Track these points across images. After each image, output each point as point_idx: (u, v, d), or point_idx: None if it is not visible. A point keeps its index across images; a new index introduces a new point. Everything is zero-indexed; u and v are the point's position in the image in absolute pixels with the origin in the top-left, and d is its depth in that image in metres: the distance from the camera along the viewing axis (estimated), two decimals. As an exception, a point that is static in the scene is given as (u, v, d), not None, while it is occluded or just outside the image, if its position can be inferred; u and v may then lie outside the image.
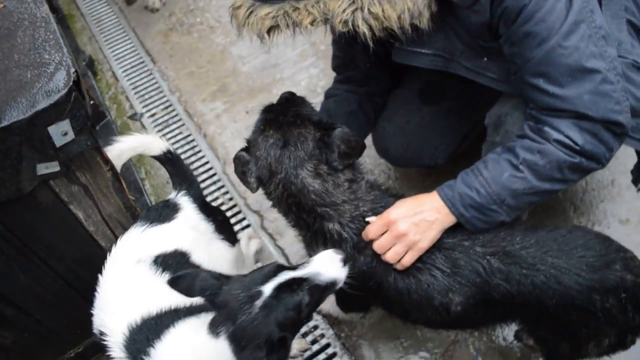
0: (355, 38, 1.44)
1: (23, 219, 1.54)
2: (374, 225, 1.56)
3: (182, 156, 2.93)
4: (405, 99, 2.21)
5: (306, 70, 3.24)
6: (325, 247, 1.60)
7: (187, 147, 2.99)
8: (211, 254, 1.75)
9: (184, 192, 1.82)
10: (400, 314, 1.71)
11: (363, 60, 1.97)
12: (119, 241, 1.66)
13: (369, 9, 1.38)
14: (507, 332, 2.22)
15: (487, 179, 1.53)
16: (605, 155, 1.51)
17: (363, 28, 1.40)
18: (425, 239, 1.53)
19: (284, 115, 1.62)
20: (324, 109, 2.10)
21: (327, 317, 2.32)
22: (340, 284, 1.45)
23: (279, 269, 1.38)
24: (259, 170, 1.60)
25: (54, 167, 1.41)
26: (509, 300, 1.48)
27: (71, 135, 1.36)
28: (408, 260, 1.54)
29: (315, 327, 2.31)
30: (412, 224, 1.53)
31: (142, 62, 3.50)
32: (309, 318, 1.45)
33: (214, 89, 3.25)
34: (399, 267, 1.56)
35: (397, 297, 1.60)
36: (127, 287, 1.58)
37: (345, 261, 1.43)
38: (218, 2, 3.77)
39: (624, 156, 2.69)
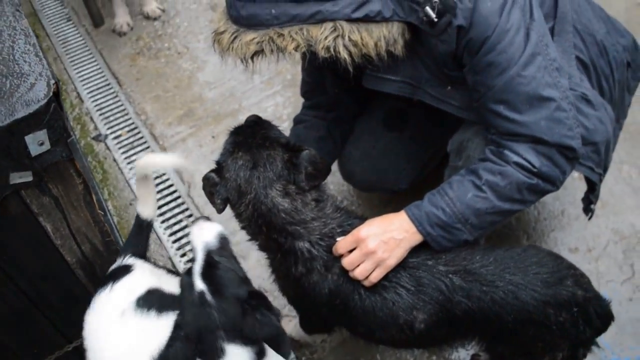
0: (332, 63, 1.50)
1: (-11, 228, 1.52)
2: (344, 241, 1.61)
3: (147, 178, 2.94)
4: (371, 126, 2.29)
5: (272, 98, 3.31)
6: (296, 267, 1.64)
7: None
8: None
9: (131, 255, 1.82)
10: (365, 333, 1.75)
11: (332, 86, 2.04)
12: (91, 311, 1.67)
13: (349, 36, 1.45)
14: (464, 357, 2.29)
15: (452, 198, 1.61)
16: (560, 177, 1.62)
17: (344, 54, 1.46)
18: (393, 257, 1.59)
19: (253, 137, 1.66)
20: (294, 135, 2.15)
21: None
22: (222, 231, 1.54)
23: (189, 272, 1.49)
24: (228, 192, 1.63)
25: (27, 176, 1.41)
26: (471, 316, 1.54)
27: (47, 146, 1.37)
28: (375, 277, 1.59)
29: (278, 350, 2.32)
30: (381, 242, 1.58)
31: (108, 84, 3.50)
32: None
33: (180, 113, 3.28)
34: (366, 283, 1.60)
35: (362, 316, 1.64)
36: (125, 338, 1.59)
37: (204, 218, 1.57)
38: (186, 29, 3.83)
39: (572, 187, 2.84)
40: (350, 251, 1.61)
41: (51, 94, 1.32)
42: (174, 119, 3.24)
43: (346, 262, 1.61)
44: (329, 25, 1.44)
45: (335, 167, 2.62)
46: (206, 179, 1.65)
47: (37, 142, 1.35)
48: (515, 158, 1.58)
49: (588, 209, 2.25)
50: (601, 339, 2.29)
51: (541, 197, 1.69)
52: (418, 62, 1.71)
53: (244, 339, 1.45)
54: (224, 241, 1.54)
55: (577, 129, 1.61)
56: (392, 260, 1.59)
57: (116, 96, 3.43)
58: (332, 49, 1.45)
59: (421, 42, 1.62)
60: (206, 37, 3.76)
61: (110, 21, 3.86)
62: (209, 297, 1.43)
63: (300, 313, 2.03)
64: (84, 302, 1.95)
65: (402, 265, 1.61)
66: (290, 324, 2.30)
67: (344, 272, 1.63)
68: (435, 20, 1.48)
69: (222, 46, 1.53)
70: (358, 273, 1.59)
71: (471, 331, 1.65)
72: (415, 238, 1.62)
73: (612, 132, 1.99)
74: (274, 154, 1.61)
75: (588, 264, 2.59)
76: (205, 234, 1.53)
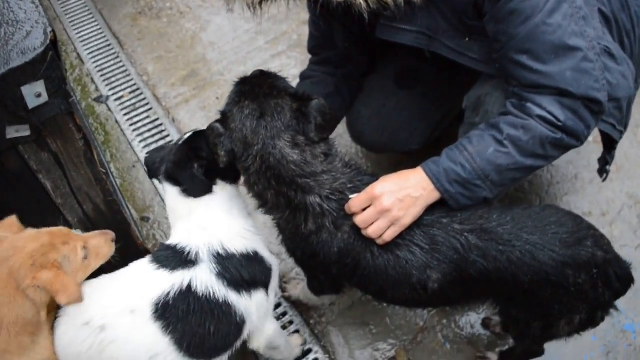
0: (345, 12, 1.42)
1: (-13, 185, 1.47)
2: (358, 198, 1.55)
3: (150, 140, 2.88)
4: (381, 84, 2.22)
5: (278, 58, 3.23)
6: (306, 224, 1.58)
7: (155, 131, 2.93)
8: None
9: None
10: (376, 292, 1.71)
11: (342, 40, 1.96)
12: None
13: None
14: (475, 320, 2.26)
15: (472, 154, 1.54)
16: (584, 132, 1.56)
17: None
18: (409, 215, 1.53)
19: (260, 86, 1.59)
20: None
21: (296, 304, 2.31)
22: None
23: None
24: (233, 143, 1.56)
25: (24, 130, 1.35)
26: (486, 277, 1.49)
27: (45, 98, 1.31)
28: (389, 236, 1.54)
29: (284, 314, 2.30)
30: (396, 200, 1.52)
31: (109, 45, 3.41)
32: None
33: (184, 74, 3.20)
34: (380, 242, 1.55)
35: (374, 275, 1.59)
36: None
37: None
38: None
39: (586, 151, 2.78)
40: (365, 209, 1.55)
41: (48, 42, 1.25)
42: (177, 80, 3.17)
43: (359, 219, 1.55)
44: None
45: (343, 128, 2.55)
46: (210, 129, 1.57)
47: (34, 94, 1.29)
48: (539, 111, 1.51)
49: (603, 170, 2.18)
50: (616, 303, 2.28)
51: (564, 152, 1.62)
52: (435, 12, 1.63)
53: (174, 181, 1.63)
54: None
55: (603, 81, 1.54)
56: (408, 219, 1.53)
57: (117, 57, 3.34)
58: None
59: None
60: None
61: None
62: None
63: (308, 274, 1.99)
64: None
65: (416, 223, 1.55)
66: (299, 287, 2.26)
67: (355, 230, 1.58)
68: None
69: None
70: (372, 231, 1.54)
71: (486, 292, 1.61)
72: (433, 195, 1.56)
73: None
74: (282, 103, 1.54)
75: (602, 228, 2.49)
76: None
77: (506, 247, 1.47)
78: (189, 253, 1.53)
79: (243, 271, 1.56)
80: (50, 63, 1.26)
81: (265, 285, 1.65)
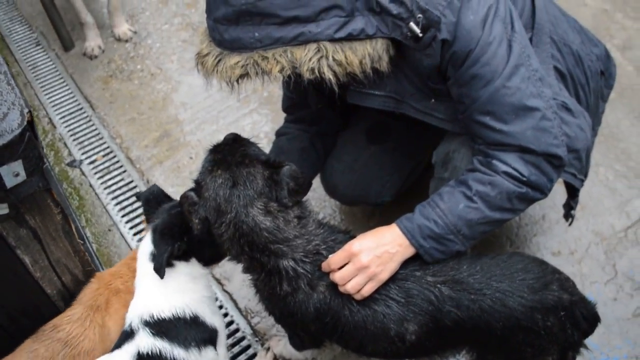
0: (318, 83, 1.50)
1: (-35, 264, 1.48)
2: (337, 256, 1.59)
3: (125, 203, 2.90)
4: (354, 139, 2.29)
5: (249, 116, 3.30)
6: (281, 286, 1.61)
7: (129, 194, 2.95)
8: None
9: None
10: (356, 347, 1.73)
11: (315, 102, 2.04)
12: None
13: (333, 57, 1.44)
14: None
15: (443, 210, 1.61)
16: (547, 185, 1.64)
17: (328, 74, 1.45)
18: (386, 270, 1.58)
19: (232, 155, 1.63)
20: (277, 146, 2.15)
21: (280, 359, 2.31)
22: None
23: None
24: (207, 211, 1.59)
25: (2, 209, 1.38)
26: (460, 325, 1.54)
27: (23, 176, 1.34)
28: (368, 291, 1.58)
29: (266, 370, 2.29)
30: (374, 257, 1.57)
31: (81, 109, 3.45)
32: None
33: (157, 135, 3.24)
34: (357, 297, 1.59)
35: (353, 331, 1.63)
36: None
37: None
38: (159, 50, 3.80)
39: (552, 192, 2.87)
40: (342, 266, 1.60)
41: (25, 123, 1.29)
42: (150, 141, 3.21)
43: (337, 276, 1.59)
44: (312, 47, 1.43)
45: (317, 182, 2.62)
46: (184, 197, 1.61)
47: (12, 174, 1.32)
48: (504, 167, 1.60)
49: (569, 215, 2.28)
50: (589, 340, 2.32)
51: (529, 205, 1.71)
52: (402, 77, 1.72)
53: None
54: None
55: (561, 137, 1.64)
56: (385, 274, 1.58)
57: (89, 120, 3.38)
58: (316, 70, 1.44)
59: (405, 57, 1.63)
60: (179, 57, 3.74)
61: (81, 44, 3.82)
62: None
63: (288, 332, 2.01)
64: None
65: (390, 278, 1.60)
66: (280, 343, 2.27)
67: (332, 289, 1.62)
68: (420, 35, 1.49)
69: (206, 68, 1.52)
70: (350, 287, 1.58)
71: (461, 340, 1.65)
72: (408, 251, 1.61)
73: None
74: (254, 171, 1.58)
75: (571, 266, 2.61)
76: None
77: (477, 296, 1.52)
78: (129, 326, 1.65)
79: (180, 332, 1.64)
80: (27, 143, 1.30)
81: (213, 343, 1.74)
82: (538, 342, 1.56)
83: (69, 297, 1.79)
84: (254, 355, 2.33)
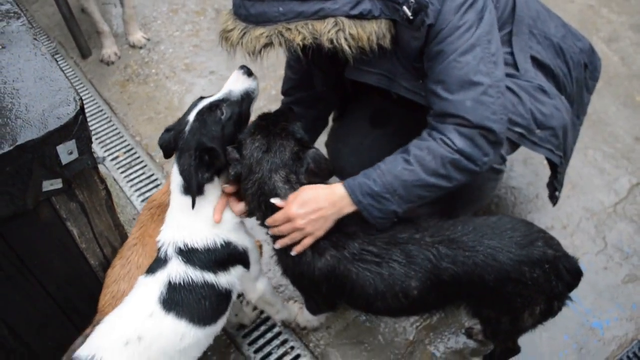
0: (331, 56, 1.71)
1: (23, 235, 1.68)
2: (278, 215, 1.80)
3: (148, 194, 3.11)
4: (358, 124, 2.50)
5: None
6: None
7: (151, 185, 3.16)
8: None
9: None
10: (364, 305, 1.92)
11: (321, 84, 2.25)
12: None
13: (349, 31, 1.66)
14: (459, 331, 2.49)
15: (383, 171, 1.79)
16: (482, 158, 1.79)
17: (345, 46, 1.67)
18: (321, 229, 1.80)
19: (274, 125, 1.84)
20: None
21: (296, 330, 2.51)
22: (254, 91, 1.88)
23: (200, 100, 1.82)
24: (242, 167, 1.81)
25: (57, 184, 1.59)
26: (457, 280, 1.73)
27: (75, 155, 1.56)
28: (308, 243, 1.81)
29: (286, 341, 2.48)
30: (310, 220, 1.77)
31: (101, 110, 3.68)
32: (240, 129, 1.85)
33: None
34: (299, 248, 1.81)
35: (360, 290, 1.82)
36: None
37: (249, 73, 1.86)
38: (172, 55, 4.03)
39: (544, 174, 3.07)
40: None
41: (78, 107, 1.51)
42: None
43: (275, 231, 1.83)
44: (331, 21, 1.64)
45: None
46: (228, 152, 1.82)
47: (67, 152, 1.53)
48: (440, 136, 1.78)
49: (553, 196, 2.45)
50: (582, 305, 2.53)
51: (467, 175, 1.82)
52: (394, 58, 1.93)
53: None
54: (244, 96, 1.85)
55: (501, 115, 1.78)
56: (320, 232, 1.80)
57: (110, 121, 3.60)
58: (335, 41, 1.66)
59: (397, 40, 1.84)
60: (191, 61, 3.97)
61: (98, 52, 4.05)
62: (187, 127, 1.78)
63: (304, 294, 2.21)
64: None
65: (392, 242, 1.80)
66: (298, 315, 2.47)
67: (338, 253, 1.82)
68: (411, 18, 1.70)
69: (231, 42, 1.71)
70: (287, 240, 1.82)
71: (458, 295, 1.83)
72: (348, 208, 1.80)
73: (571, 123, 2.21)
74: (286, 144, 1.80)
75: (564, 239, 2.80)
76: (236, 84, 1.82)
77: (471, 253, 1.71)
78: (164, 253, 1.79)
79: (210, 257, 1.80)
80: (80, 125, 1.52)
81: (243, 262, 1.91)
82: (526, 292, 1.74)
83: (109, 268, 2.00)
84: (274, 325, 2.53)
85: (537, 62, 2.12)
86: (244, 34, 1.68)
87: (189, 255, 1.77)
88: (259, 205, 1.83)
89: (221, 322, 1.88)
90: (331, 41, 1.66)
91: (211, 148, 1.74)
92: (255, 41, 1.66)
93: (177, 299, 1.73)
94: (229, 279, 1.84)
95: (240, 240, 1.88)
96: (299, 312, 2.45)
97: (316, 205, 1.78)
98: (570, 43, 2.25)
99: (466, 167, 1.79)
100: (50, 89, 1.57)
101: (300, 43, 1.65)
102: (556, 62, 2.18)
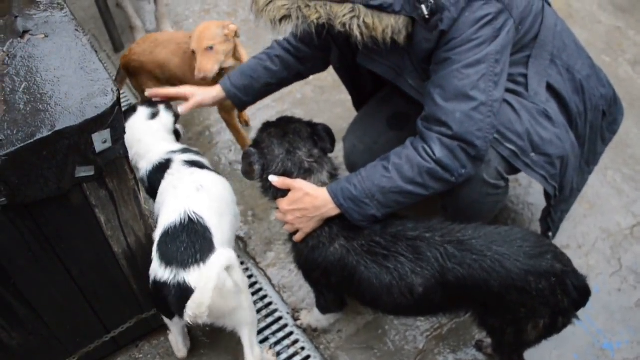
0: (345, 39, 1.84)
1: (54, 218, 1.75)
2: (280, 205, 2.01)
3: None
4: (376, 123, 2.57)
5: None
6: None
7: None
8: None
9: None
10: (371, 300, 1.98)
11: (336, 61, 2.38)
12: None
13: (364, 19, 1.73)
14: (469, 345, 2.51)
15: (363, 177, 1.90)
16: (458, 170, 1.85)
17: (356, 32, 1.75)
18: (308, 227, 1.96)
19: (280, 120, 2.04)
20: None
21: (307, 331, 2.55)
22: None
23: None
24: (263, 158, 1.97)
25: (90, 171, 1.66)
26: (462, 282, 1.77)
27: (109, 143, 1.63)
28: (299, 237, 2.01)
29: (297, 341, 2.53)
30: (296, 217, 1.95)
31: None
32: None
33: (199, 130, 3.54)
34: (297, 237, 2.01)
35: (368, 282, 1.89)
36: None
37: None
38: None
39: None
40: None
41: (115, 98, 1.58)
42: (193, 135, 3.50)
43: (278, 216, 2.04)
44: (349, 6, 1.72)
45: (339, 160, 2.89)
46: (245, 153, 1.98)
47: (101, 140, 1.60)
48: (421, 144, 1.85)
49: (545, 235, 2.43)
50: (593, 325, 2.54)
51: (443, 185, 1.89)
52: (405, 55, 1.99)
53: None
54: None
55: (487, 134, 1.83)
56: (307, 229, 1.97)
57: (138, 114, 3.68)
58: (347, 26, 1.74)
59: (412, 38, 1.89)
60: (220, 60, 4.03)
61: (130, 46, 4.14)
62: None
63: (314, 289, 2.27)
64: (125, 293, 2.18)
65: (401, 237, 1.86)
66: (308, 315, 2.52)
67: (347, 244, 1.92)
68: (428, 17, 1.75)
69: (258, 6, 1.81)
70: (288, 226, 2.03)
71: (463, 299, 1.87)
72: (330, 211, 1.92)
73: (575, 162, 2.20)
74: (299, 126, 1.98)
75: (579, 258, 2.82)
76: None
77: (479, 257, 1.75)
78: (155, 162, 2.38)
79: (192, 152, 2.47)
80: (116, 115, 1.59)
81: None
82: (530, 303, 1.77)
83: (131, 257, 2.06)
84: (285, 325, 2.58)
85: (552, 91, 2.12)
86: (270, 1, 1.77)
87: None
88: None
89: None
90: (344, 25, 1.74)
91: None
92: (277, 11, 1.75)
93: (198, 165, 2.30)
94: None
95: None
96: (309, 315, 2.50)
97: (301, 206, 1.93)
98: (594, 85, 2.24)
99: (442, 177, 1.86)
100: (90, 78, 1.64)
101: (315, 21, 1.74)
102: (573, 98, 2.17)
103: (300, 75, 2.57)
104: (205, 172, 2.27)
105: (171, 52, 2.97)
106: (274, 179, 1.93)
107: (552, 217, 2.34)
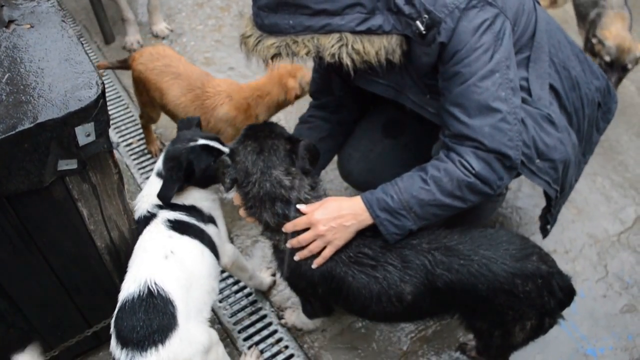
0: (338, 68, 1.77)
1: (35, 211, 1.72)
2: (300, 220, 1.86)
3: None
4: (370, 131, 2.54)
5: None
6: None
7: (162, 174, 3.21)
8: None
9: None
10: (359, 309, 1.96)
11: (338, 89, 2.31)
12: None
13: (352, 46, 1.71)
14: (453, 347, 2.51)
15: (400, 188, 1.84)
16: (496, 182, 1.83)
17: (347, 60, 1.73)
18: (341, 239, 1.84)
19: (261, 131, 1.94)
20: (297, 134, 2.38)
21: (291, 330, 2.54)
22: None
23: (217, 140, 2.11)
24: (237, 172, 1.89)
25: (73, 164, 1.63)
26: (451, 287, 1.76)
27: (93, 137, 1.60)
28: (328, 253, 1.85)
29: (280, 339, 2.52)
30: (331, 227, 1.82)
31: (120, 97, 3.74)
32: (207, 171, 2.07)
33: (189, 124, 3.50)
34: (319, 260, 1.85)
35: (356, 293, 1.86)
36: None
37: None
38: (193, 48, 4.08)
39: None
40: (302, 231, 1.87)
41: (100, 91, 1.55)
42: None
43: (295, 241, 1.87)
44: (336, 36, 1.70)
45: (334, 174, 2.87)
46: (220, 162, 1.93)
47: (84, 134, 1.58)
48: (458, 158, 1.82)
49: (544, 229, 2.45)
50: (577, 330, 2.54)
51: (481, 198, 1.87)
52: (404, 72, 1.97)
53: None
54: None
55: (517, 142, 1.82)
56: (340, 241, 1.84)
57: (127, 108, 3.66)
58: (336, 56, 1.72)
59: (409, 54, 1.87)
60: (212, 55, 4.02)
61: (121, 39, 4.11)
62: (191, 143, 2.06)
63: (301, 298, 2.25)
64: (107, 288, 2.15)
65: (388, 247, 1.84)
66: (294, 314, 2.51)
67: (336, 255, 1.87)
68: (424, 32, 1.74)
69: (248, 47, 1.80)
70: (308, 250, 1.86)
71: (452, 303, 1.87)
72: (366, 221, 1.85)
73: (574, 160, 2.21)
74: (277, 143, 1.88)
75: (565, 264, 2.82)
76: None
77: (466, 261, 1.75)
78: (144, 211, 2.05)
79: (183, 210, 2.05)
80: (100, 108, 1.56)
81: (213, 222, 2.15)
82: (518, 305, 1.77)
83: (114, 252, 2.04)
84: (270, 323, 2.57)
85: (554, 91, 2.12)
86: (259, 42, 1.75)
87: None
88: (264, 205, 1.87)
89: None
90: (333, 56, 1.72)
91: (190, 164, 2.01)
92: (267, 50, 1.74)
93: (180, 228, 1.99)
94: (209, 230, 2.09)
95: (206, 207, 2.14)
96: (294, 314, 2.48)
97: (338, 212, 1.84)
98: (587, 80, 2.25)
99: (481, 190, 1.83)
100: (74, 71, 1.62)
101: (305, 56, 1.72)
102: (571, 95, 2.18)
103: (344, 124, 2.50)
104: (185, 238, 1.98)
105: (181, 88, 2.78)
106: (302, 207, 1.85)
107: (552, 213, 2.35)
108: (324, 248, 1.85)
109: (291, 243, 1.88)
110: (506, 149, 1.79)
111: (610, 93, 2.41)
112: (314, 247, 1.85)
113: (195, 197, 2.10)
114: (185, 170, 2.00)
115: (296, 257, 1.88)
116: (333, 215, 1.83)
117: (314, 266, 1.86)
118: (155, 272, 1.83)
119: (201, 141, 2.05)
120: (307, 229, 1.86)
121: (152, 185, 2.08)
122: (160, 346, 1.70)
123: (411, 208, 1.82)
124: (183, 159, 2.01)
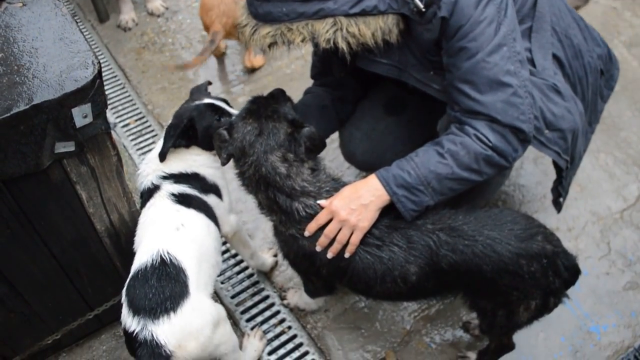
0: (336, 52, 1.73)
1: (33, 195, 1.70)
2: (321, 215, 1.82)
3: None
4: (372, 109, 2.50)
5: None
6: (299, 224, 1.85)
7: (160, 155, 3.17)
8: None
9: None
10: (363, 289, 1.95)
11: (338, 70, 2.26)
12: None
13: (347, 29, 1.68)
14: (456, 324, 2.51)
15: (417, 163, 1.81)
16: (512, 154, 1.83)
17: (342, 44, 1.70)
18: (365, 219, 1.80)
19: (265, 108, 1.88)
20: (301, 102, 2.34)
21: (293, 310, 2.53)
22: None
23: (222, 100, 2.13)
24: (233, 149, 1.85)
25: (70, 146, 1.60)
26: (455, 268, 1.75)
27: (90, 118, 1.57)
28: (356, 240, 1.81)
29: (283, 320, 2.52)
30: (350, 210, 1.79)
31: (115, 77, 3.68)
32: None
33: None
34: (350, 247, 1.81)
35: (362, 273, 1.84)
36: None
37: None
38: (189, 26, 4.01)
39: (553, 174, 3.03)
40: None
41: (96, 71, 1.51)
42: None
43: (323, 238, 1.83)
44: (329, 20, 1.67)
45: (336, 153, 2.83)
46: (218, 134, 1.88)
47: (81, 115, 1.54)
48: (474, 132, 1.79)
49: (557, 202, 2.44)
50: (580, 308, 2.54)
51: (496, 170, 1.86)
52: (406, 49, 1.93)
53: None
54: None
55: (529, 115, 1.81)
56: (365, 222, 1.80)
57: (123, 87, 3.61)
58: (331, 41, 1.69)
59: (409, 32, 1.83)
60: (209, 33, 3.94)
61: (115, 17, 4.04)
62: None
63: (302, 277, 2.23)
64: (108, 271, 2.13)
65: (393, 227, 1.82)
66: (296, 295, 2.49)
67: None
68: (423, 10, 1.70)
69: (245, 37, 1.77)
70: (338, 240, 1.82)
71: (456, 283, 1.85)
72: (383, 199, 1.81)
73: (582, 129, 2.19)
74: (279, 126, 1.82)
75: (568, 242, 2.81)
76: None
77: (471, 242, 1.73)
78: (149, 183, 2.03)
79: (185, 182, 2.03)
80: (97, 89, 1.52)
81: (216, 192, 2.12)
82: (522, 286, 1.76)
83: (114, 235, 2.01)
84: (272, 304, 2.56)
85: (557, 60, 2.10)
86: (255, 31, 1.73)
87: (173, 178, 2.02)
88: (259, 187, 1.85)
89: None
90: (328, 41, 1.69)
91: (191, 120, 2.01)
92: (262, 40, 1.72)
93: (185, 202, 1.96)
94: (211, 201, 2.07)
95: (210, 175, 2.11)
96: (297, 295, 2.47)
97: (355, 194, 1.81)
98: (589, 47, 2.23)
99: (498, 163, 1.82)
100: (69, 50, 1.57)
101: (301, 43, 1.70)
102: (574, 64, 2.16)
103: (347, 101, 2.47)
104: (192, 211, 1.97)
105: None
106: (322, 202, 1.82)
107: (563, 185, 2.34)
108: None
109: (320, 243, 1.84)
110: (520, 123, 1.78)
111: (611, 60, 2.39)
112: (341, 237, 1.81)
113: (199, 163, 2.08)
114: (186, 127, 1.99)
115: (329, 255, 1.84)
116: (351, 198, 1.81)
117: (346, 255, 1.83)
118: (168, 242, 1.83)
119: (207, 100, 2.07)
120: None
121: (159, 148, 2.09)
122: (172, 314, 1.69)
123: (429, 183, 1.79)
124: (185, 117, 2.01)
